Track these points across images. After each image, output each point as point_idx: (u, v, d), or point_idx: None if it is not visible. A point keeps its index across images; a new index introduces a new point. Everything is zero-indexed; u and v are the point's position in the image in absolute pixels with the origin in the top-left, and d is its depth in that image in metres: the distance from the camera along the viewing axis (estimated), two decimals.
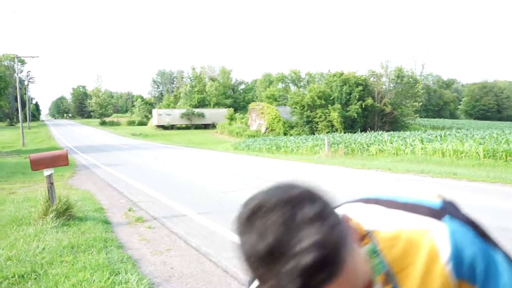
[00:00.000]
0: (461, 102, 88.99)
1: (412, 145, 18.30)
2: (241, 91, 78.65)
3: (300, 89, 56.16)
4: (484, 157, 14.45)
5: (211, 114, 63.81)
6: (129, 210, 7.03)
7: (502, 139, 17.81)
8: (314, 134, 37.36)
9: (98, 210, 6.88)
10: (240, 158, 19.26)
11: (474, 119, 79.03)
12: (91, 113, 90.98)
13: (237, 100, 74.19)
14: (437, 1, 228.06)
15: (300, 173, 12.33)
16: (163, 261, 4.36)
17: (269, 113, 47.33)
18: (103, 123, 74.36)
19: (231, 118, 54.86)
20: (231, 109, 58.15)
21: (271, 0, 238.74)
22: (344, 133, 35.79)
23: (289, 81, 70.27)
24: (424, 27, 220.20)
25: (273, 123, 46.33)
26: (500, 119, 77.16)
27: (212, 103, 70.80)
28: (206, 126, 61.86)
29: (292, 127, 45.08)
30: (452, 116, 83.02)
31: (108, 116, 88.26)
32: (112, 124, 74.06)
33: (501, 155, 14.11)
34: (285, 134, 43.17)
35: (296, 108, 44.87)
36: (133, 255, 4.52)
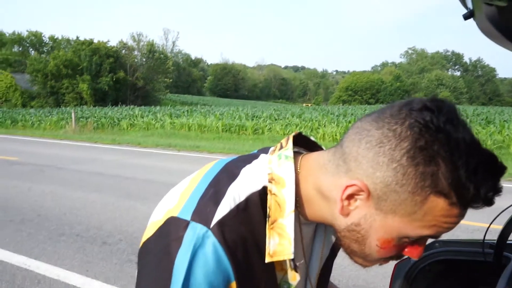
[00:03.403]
0: (206, 80, 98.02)
1: (162, 120, 19.03)
2: None
3: (42, 55, 49.61)
4: (222, 131, 16.43)
5: None
6: None
7: (236, 115, 20.70)
8: (60, 107, 33.92)
9: None
10: None
11: (217, 96, 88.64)
12: None
13: None
14: None
15: (41, 151, 11.01)
16: None
17: (2, 80, 40.00)
18: None
19: None
20: None
21: None
22: (95, 106, 33.99)
23: (28, 45, 60.83)
24: (175, 5, 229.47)
25: (7, 93, 39.47)
26: (237, 97, 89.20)
27: None
28: None
29: (33, 98, 39.65)
30: (199, 93, 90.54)
31: None
32: None
33: (235, 129, 16.38)
34: (23, 106, 37.54)
35: (37, 76, 39.54)
36: None
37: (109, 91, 41.66)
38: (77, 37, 47.43)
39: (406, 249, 0.61)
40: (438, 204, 0.53)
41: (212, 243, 0.57)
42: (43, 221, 4.78)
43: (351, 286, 3.28)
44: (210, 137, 15.33)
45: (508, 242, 1.15)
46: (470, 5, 0.76)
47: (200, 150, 11.63)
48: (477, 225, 4.47)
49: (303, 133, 0.72)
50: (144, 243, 0.62)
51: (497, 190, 0.53)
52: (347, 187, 0.57)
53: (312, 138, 0.73)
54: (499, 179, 0.53)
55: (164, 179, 7.19)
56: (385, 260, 0.63)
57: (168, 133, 16.46)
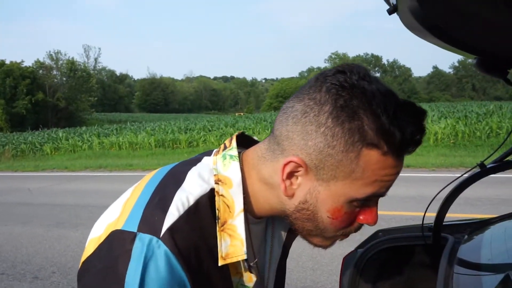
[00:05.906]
0: (134, 96, 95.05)
1: (89, 141, 18.08)
2: None
3: None
4: (155, 147, 15.99)
5: None
6: None
7: (169, 129, 20.28)
8: None
9: None
10: None
11: (147, 112, 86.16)
12: None
13: None
14: None
15: None
16: None
17: None
18: None
19: None
20: None
21: None
22: (12, 132, 31.48)
23: None
24: (94, 20, 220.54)
25: None
26: (167, 112, 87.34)
27: None
28: None
29: None
30: (128, 110, 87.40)
31: None
32: None
33: (169, 144, 16.02)
34: None
35: None
36: None
37: (27, 114, 38.87)
38: None
39: (360, 217, 0.62)
40: (373, 157, 0.55)
41: (164, 253, 0.54)
42: None
43: (300, 287, 3.32)
44: (143, 154, 14.82)
45: (443, 223, 1.23)
46: (393, 0, 0.80)
47: (133, 168, 11.21)
48: (410, 214, 4.76)
49: (246, 133, 0.71)
50: (84, 262, 0.57)
51: (421, 130, 0.55)
52: (284, 165, 0.58)
53: (255, 138, 0.73)
54: (421, 120, 0.56)
55: (97, 202, 6.79)
56: (343, 233, 0.63)
57: (97, 154, 15.66)
